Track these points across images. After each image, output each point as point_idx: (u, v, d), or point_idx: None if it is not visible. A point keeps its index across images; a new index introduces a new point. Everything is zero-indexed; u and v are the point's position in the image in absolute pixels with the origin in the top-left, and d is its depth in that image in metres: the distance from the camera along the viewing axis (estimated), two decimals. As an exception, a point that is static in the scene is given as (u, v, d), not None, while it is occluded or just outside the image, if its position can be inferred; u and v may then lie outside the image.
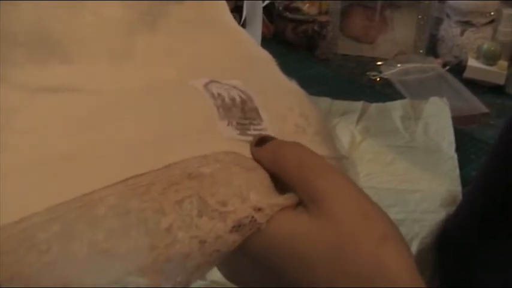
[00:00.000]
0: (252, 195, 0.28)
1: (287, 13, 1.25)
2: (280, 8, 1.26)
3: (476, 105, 1.02)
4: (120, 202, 0.27)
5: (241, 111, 0.34)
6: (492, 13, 1.12)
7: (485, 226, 0.57)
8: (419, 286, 0.26)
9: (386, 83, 1.11)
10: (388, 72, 1.13)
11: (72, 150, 0.29)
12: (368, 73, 1.14)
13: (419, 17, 1.18)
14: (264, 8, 1.12)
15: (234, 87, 0.36)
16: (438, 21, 1.22)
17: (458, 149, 0.85)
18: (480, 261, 0.57)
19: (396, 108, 0.95)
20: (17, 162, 0.28)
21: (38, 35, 0.33)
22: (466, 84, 1.08)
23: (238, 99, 0.34)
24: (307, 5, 1.23)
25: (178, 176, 0.28)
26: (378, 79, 1.12)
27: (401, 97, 1.02)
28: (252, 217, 0.28)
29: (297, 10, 1.24)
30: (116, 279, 0.26)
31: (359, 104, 0.97)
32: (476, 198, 0.61)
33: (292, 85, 0.40)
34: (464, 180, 0.79)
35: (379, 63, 1.17)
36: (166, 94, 0.34)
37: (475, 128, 0.95)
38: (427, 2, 1.17)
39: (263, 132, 0.34)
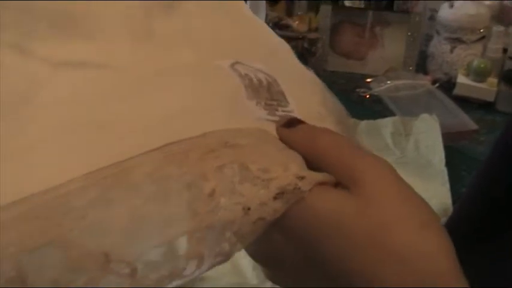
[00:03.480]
0: (292, 166, 0.27)
1: (277, 30, 1.25)
2: (270, 25, 1.26)
3: (466, 122, 1.02)
4: (157, 169, 0.25)
5: (268, 93, 0.33)
6: (482, 30, 1.13)
7: (478, 233, 0.56)
8: (458, 272, 0.26)
9: (376, 99, 1.11)
10: (378, 89, 1.13)
11: (102, 120, 0.27)
12: (358, 90, 1.13)
13: (409, 33, 1.18)
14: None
15: (259, 70, 0.35)
16: (428, 38, 1.23)
17: (448, 165, 0.84)
18: (473, 269, 0.56)
19: (386, 125, 0.95)
20: (48, 133, 0.26)
21: (60, 10, 0.32)
22: (456, 101, 1.08)
23: (265, 82, 0.34)
24: (297, 22, 1.23)
25: (215, 144, 0.27)
26: (368, 96, 1.12)
27: (391, 114, 1.02)
28: (296, 184, 0.27)
29: (287, 27, 1.24)
30: (156, 246, 0.24)
31: (349, 121, 0.96)
32: (469, 205, 0.60)
33: (312, 75, 0.40)
34: (455, 196, 0.78)
35: (369, 79, 1.17)
36: (192, 72, 0.33)
37: (465, 145, 0.95)
38: (417, 19, 1.17)
39: (291, 114, 0.33)
